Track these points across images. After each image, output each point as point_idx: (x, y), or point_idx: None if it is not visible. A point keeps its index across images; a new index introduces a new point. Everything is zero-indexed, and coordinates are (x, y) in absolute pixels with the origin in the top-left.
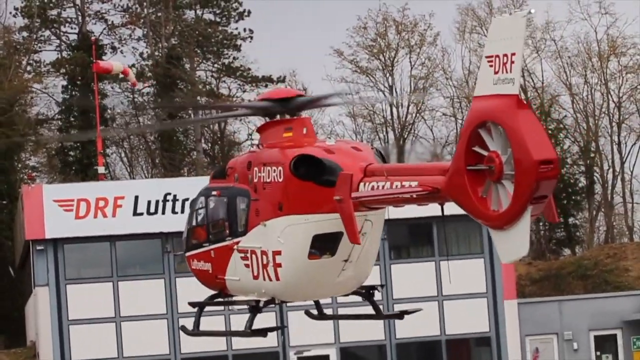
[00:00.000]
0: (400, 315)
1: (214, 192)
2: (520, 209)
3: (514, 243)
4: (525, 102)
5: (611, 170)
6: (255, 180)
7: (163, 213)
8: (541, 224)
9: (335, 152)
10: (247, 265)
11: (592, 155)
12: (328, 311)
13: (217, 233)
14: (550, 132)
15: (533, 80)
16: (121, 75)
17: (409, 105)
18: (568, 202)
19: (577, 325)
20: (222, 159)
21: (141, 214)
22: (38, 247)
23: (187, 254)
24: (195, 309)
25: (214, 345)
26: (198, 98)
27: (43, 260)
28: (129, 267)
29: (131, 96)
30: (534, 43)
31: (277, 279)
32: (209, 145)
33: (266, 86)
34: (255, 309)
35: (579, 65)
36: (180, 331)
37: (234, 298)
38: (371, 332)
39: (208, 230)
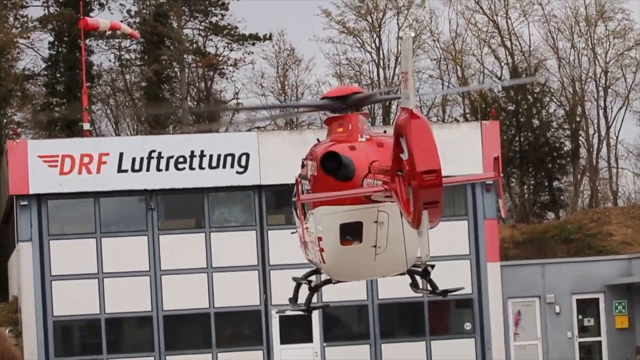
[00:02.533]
0: (444, 293)
1: (297, 180)
2: (418, 213)
3: (422, 243)
4: (419, 114)
5: (597, 134)
6: (309, 172)
7: (147, 170)
8: (525, 186)
9: (357, 148)
10: (312, 248)
11: (578, 119)
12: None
13: (301, 216)
14: (535, 95)
15: (520, 44)
16: (109, 32)
17: (395, 67)
18: (553, 165)
19: (560, 288)
20: (208, 117)
21: (126, 170)
22: (22, 203)
23: (296, 232)
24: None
25: (196, 302)
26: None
27: (27, 216)
28: (113, 223)
29: (118, 53)
30: (522, 7)
31: (324, 261)
32: (195, 103)
33: (253, 44)
34: (312, 288)
35: (566, 29)
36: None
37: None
38: (353, 292)
39: (297, 213)
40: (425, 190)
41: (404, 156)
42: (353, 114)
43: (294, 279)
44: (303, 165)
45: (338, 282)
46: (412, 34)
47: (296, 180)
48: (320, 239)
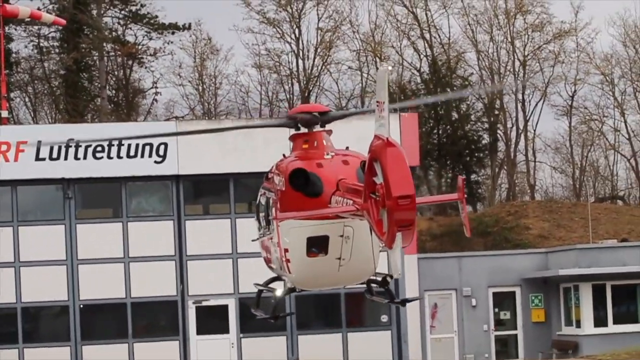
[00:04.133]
0: (403, 302)
1: (263, 191)
2: (392, 234)
3: (394, 262)
4: (393, 142)
5: (515, 128)
6: (276, 186)
7: (65, 159)
8: (443, 179)
9: (324, 166)
10: (278, 258)
11: (497, 112)
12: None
13: (265, 226)
14: (454, 88)
15: (440, 37)
16: (28, 19)
17: (314, 58)
18: (471, 158)
19: (476, 281)
20: (127, 106)
21: (43, 159)
22: None
23: (258, 240)
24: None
25: (113, 292)
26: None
27: None
28: (30, 212)
29: (37, 40)
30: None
31: (290, 272)
32: (114, 92)
33: (173, 34)
34: (277, 297)
35: (485, 22)
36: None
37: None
38: None
39: (261, 223)
40: (400, 213)
41: (378, 180)
42: (318, 132)
43: (256, 285)
44: (267, 178)
45: (302, 290)
46: (390, 67)
47: (261, 192)
48: (287, 250)
